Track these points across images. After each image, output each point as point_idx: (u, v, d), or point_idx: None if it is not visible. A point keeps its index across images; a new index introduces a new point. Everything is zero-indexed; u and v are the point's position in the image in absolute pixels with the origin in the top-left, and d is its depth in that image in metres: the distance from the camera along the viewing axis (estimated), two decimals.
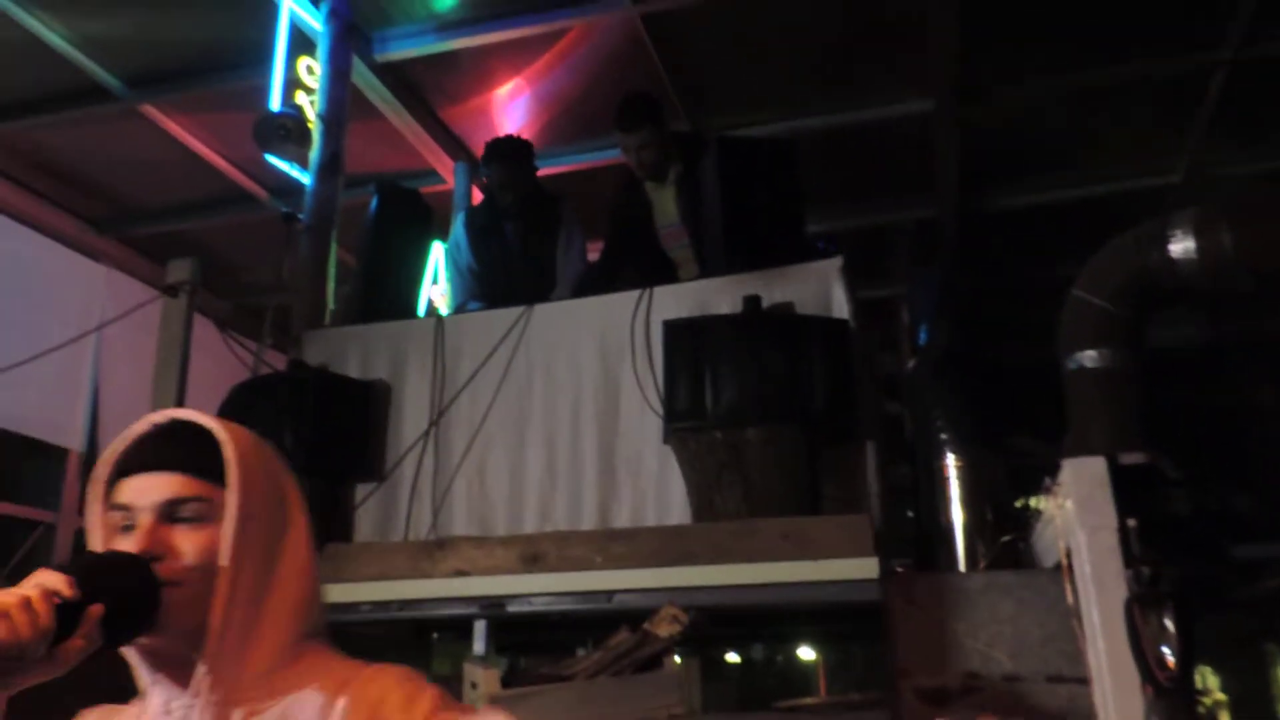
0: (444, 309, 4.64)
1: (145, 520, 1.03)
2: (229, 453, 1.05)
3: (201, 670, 1.02)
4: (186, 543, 1.02)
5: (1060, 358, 2.62)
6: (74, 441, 4.99)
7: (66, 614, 0.89)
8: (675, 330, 2.90)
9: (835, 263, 3.06)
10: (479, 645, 2.86)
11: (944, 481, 3.23)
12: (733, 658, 3.72)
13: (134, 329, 4.94)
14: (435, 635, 3.70)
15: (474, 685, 2.44)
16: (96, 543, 1.05)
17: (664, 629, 2.45)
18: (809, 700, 2.51)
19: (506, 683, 2.37)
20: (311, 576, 1.10)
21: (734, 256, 3.24)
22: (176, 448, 1.06)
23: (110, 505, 1.05)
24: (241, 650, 1.03)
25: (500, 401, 3.23)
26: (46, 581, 0.89)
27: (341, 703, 1.02)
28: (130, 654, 1.04)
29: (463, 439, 3.22)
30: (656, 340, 3.07)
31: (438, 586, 2.75)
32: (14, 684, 0.89)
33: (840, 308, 2.98)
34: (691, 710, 2.51)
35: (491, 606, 2.76)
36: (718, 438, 2.71)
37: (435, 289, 4.79)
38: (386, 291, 3.76)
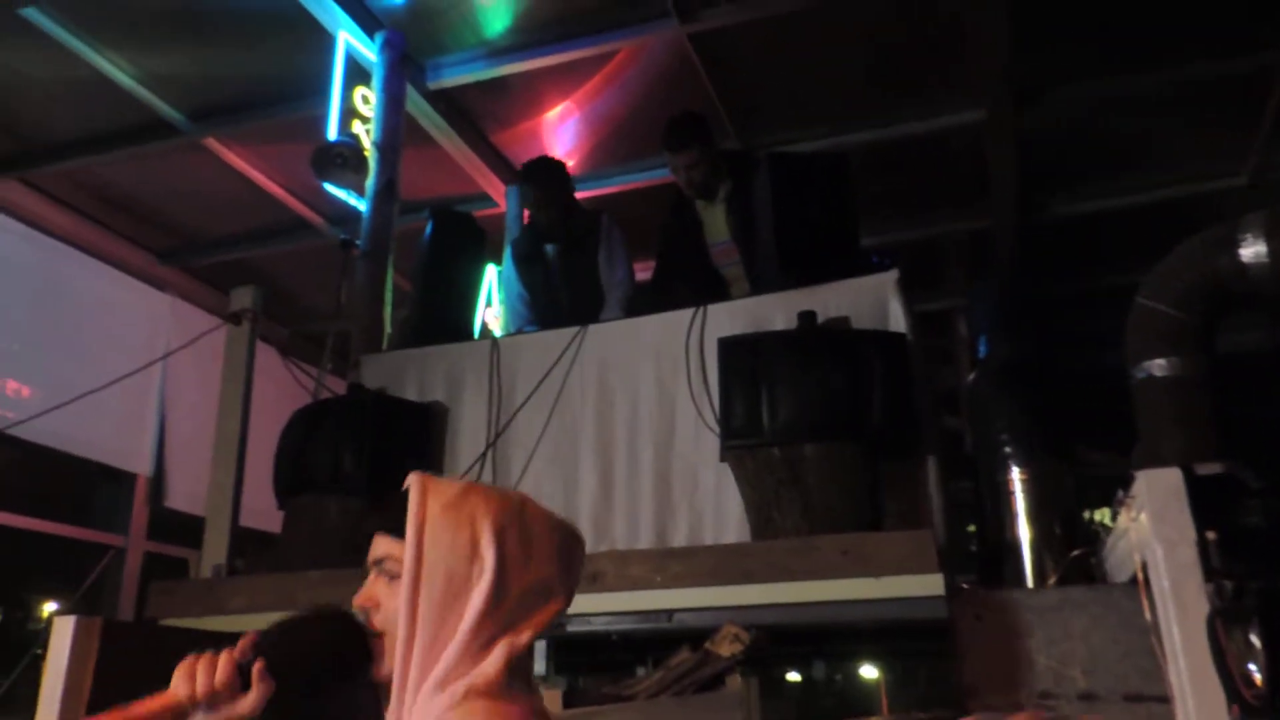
0: (498, 332, 4.69)
1: (369, 577, 1.20)
2: (409, 528, 1.15)
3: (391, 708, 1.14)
4: (388, 598, 1.16)
5: (1128, 367, 2.56)
6: (142, 467, 5.11)
7: (245, 670, 1.08)
8: (730, 347, 2.88)
9: (891, 276, 3.03)
10: (539, 665, 2.86)
11: (1009, 496, 3.15)
12: (793, 677, 3.67)
13: (198, 356, 5.07)
14: None
15: None
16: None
17: (725, 648, 2.43)
18: (878, 717, 2.46)
19: (568, 702, 2.36)
20: (482, 630, 1.13)
21: (787, 272, 3.22)
22: (397, 512, 1.18)
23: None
24: (415, 692, 1.12)
25: (556, 421, 3.24)
26: (241, 646, 1.09)
27: None
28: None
29: (520, 459, 3.24)
30: (711, 358, 3.06)
31: None
32: None
33: (897, 321, 2.94)
34: None
35: (552, 626, 2.75)
36: (775, 455, 2.68)
37: (489, 311, 4.84)
38: (442, 314, 3.80)
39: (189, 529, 5.01)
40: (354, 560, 2.92)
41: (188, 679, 1.07)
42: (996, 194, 5.31)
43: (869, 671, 3.66)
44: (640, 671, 3.27)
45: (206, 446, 4.37)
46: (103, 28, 4.18)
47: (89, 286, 4.95)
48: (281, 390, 4.49)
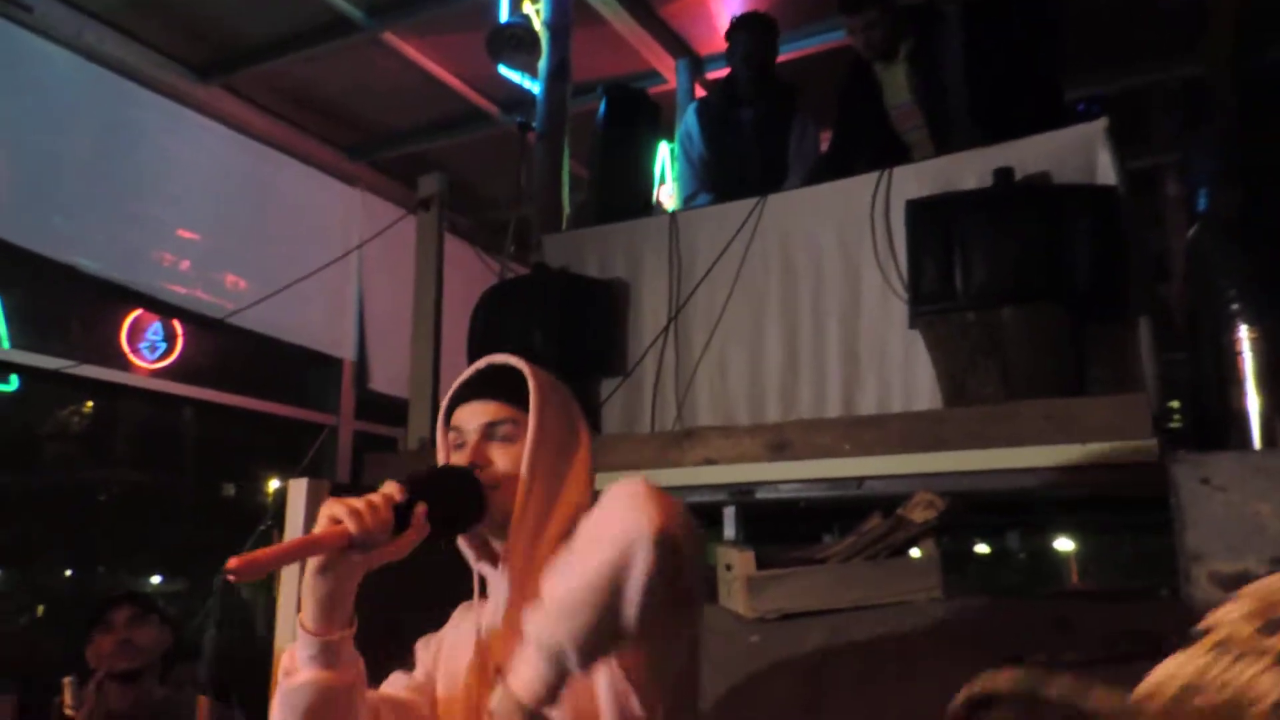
0: (671, 208, 4.67)
1: (472, 439, 1.34)
2: (532, 386, 1.34)
3: (506, 549, 1.31)
4: (501, 455, 1.32)
5: None
6: (346, 352, 5.47)
7: (401, 512, 1.17)
8: (919, 209, 2.76)
9: (1098, 125, 2.79)
10: (729, 530, 2.93)
11: (1235, 357, 2.90)
12: (980, 548, 3.61)
13: (388, 247, 5.33)
14: None
15: (728, 567, 2.50)
16: (440, 457, 1.39)
17: (919, 514, 2.40)
18: (1082, 586, 2.40)
19: (761, 564, 2.41)
20: (589, 484, 1.37)
21: (979, 129, 3.04)
22: (494, 383, 1.37)
23: (448, 428, 1.38)
24: (535, 536, 1.30)
25: (738, 294, 3.22)
26: (388, 489, 1.19)
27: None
28: (465, 549, 1.38)
29: (702, 333, 3.25)
30: (898, 223, 2.95)
31: (686, 475, 2.81)
32: (370, 563, 1.18)
33: (1106, 175, 2.72)
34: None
35: (740, 493, 2.80)
36: (970, 319, 2.58)
37: (662, 189, 4.82)
38: (620, 192, 3.82)
39: (390, 409, 5.37)
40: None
41: (351, 516, 1.13)
42: (1213, 38, 4.77)
43: (1060, 544, 3.55)
44: (826, 539, 3.30)
45: (401, 333, 4.63)
46: None
47: (289, 185, 5.24)
48: (467, 277, 4.68)
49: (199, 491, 5.41)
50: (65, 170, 4.02)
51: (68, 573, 4.96)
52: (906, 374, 2.96)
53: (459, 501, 1.26)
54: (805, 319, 3.14)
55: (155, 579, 5.29)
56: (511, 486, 1.31)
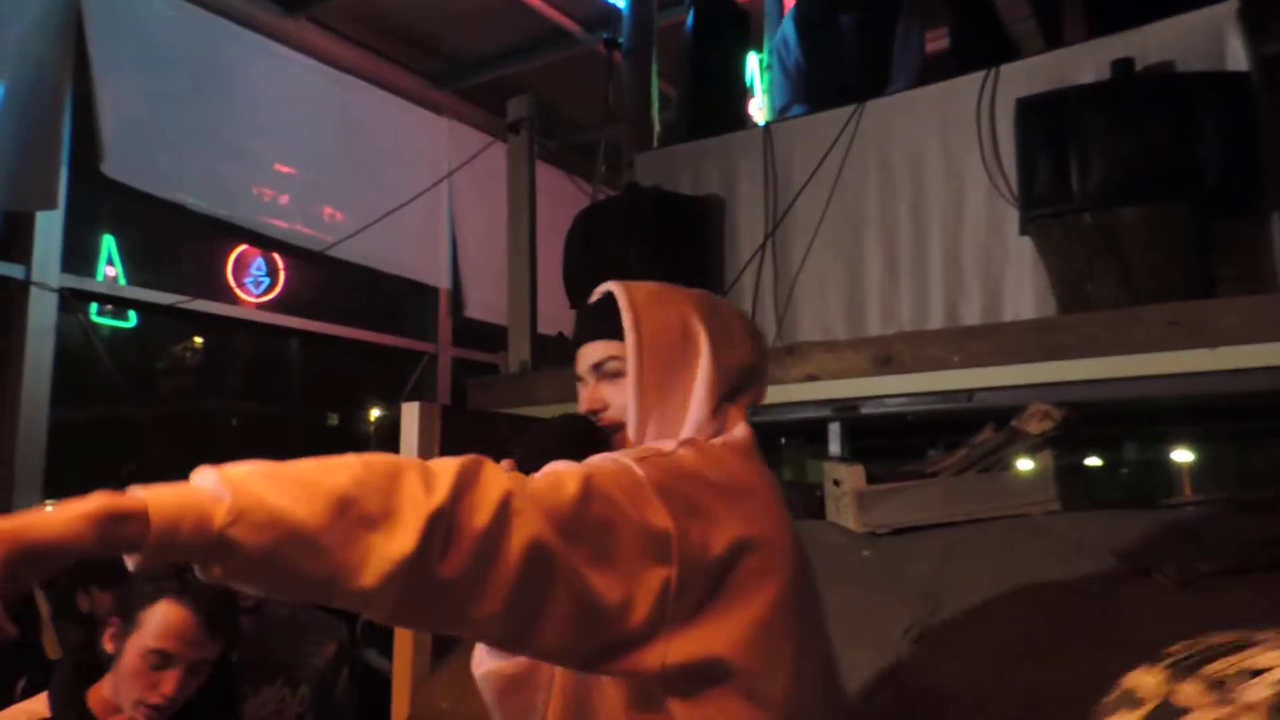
0: (761, 122, 4.54)
1: (588, 383, 1.28)
2: (622, 308, 1.23)
3: None
4: (614, 395, 1.24)
5: None
6: (441, 280, 5.55)
7: None
8: (1031, 108, 2.63)
9: (1228, 7, 2.59)
10: (834, 446, 2.91)
11: None
12: (1091, 461, 3.51)
13: (476, 174, 5.34)
14: (783, 440, 3.82)
15: (837, 482, 2.49)
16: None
17: (1034, 426, 2.34)
18: (1213, 495, 2.31)
19: (871, 479, 2.39)
20: (718, 384, 1.22)
21: (1095, 18, 2.85)
22: (598, 319, 1.27)
23: (576, 377, 1.31)
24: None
25: (835, 205, 3.14)
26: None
27: None
28: None
29: (800, 246, 3.19)
30: (1005, 124, 2.82)
31: (789, 391, 2.78)
32: None
33: (1236, 61, 2.54)
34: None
35: (845, 409, 2.77)
36: (1087, 221, 2.46)
37: (752, 102, 4.68)
38: (711, 106, 3.72)
39: (486, 335, 5.45)
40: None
41: None
42: None
43: (1179, 455, 3.42)
44: (931, 454, 3.25)
45: (493, 261, 4.66)
46: None
47: (377, 115, 5.27)
48: (557, 201, 4.67)
49: (307, 420, 5.60)
50: (167, 109, 4.12)
51: None
52: (1014, 282, 2.86)
53: (572, 456, 1.20)
54: (905, 229, 3.04)
55: None
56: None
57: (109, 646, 1.68)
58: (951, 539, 2.21)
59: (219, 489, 0.81)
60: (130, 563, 0.79)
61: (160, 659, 1.62)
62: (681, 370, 1.21)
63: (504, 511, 0.89)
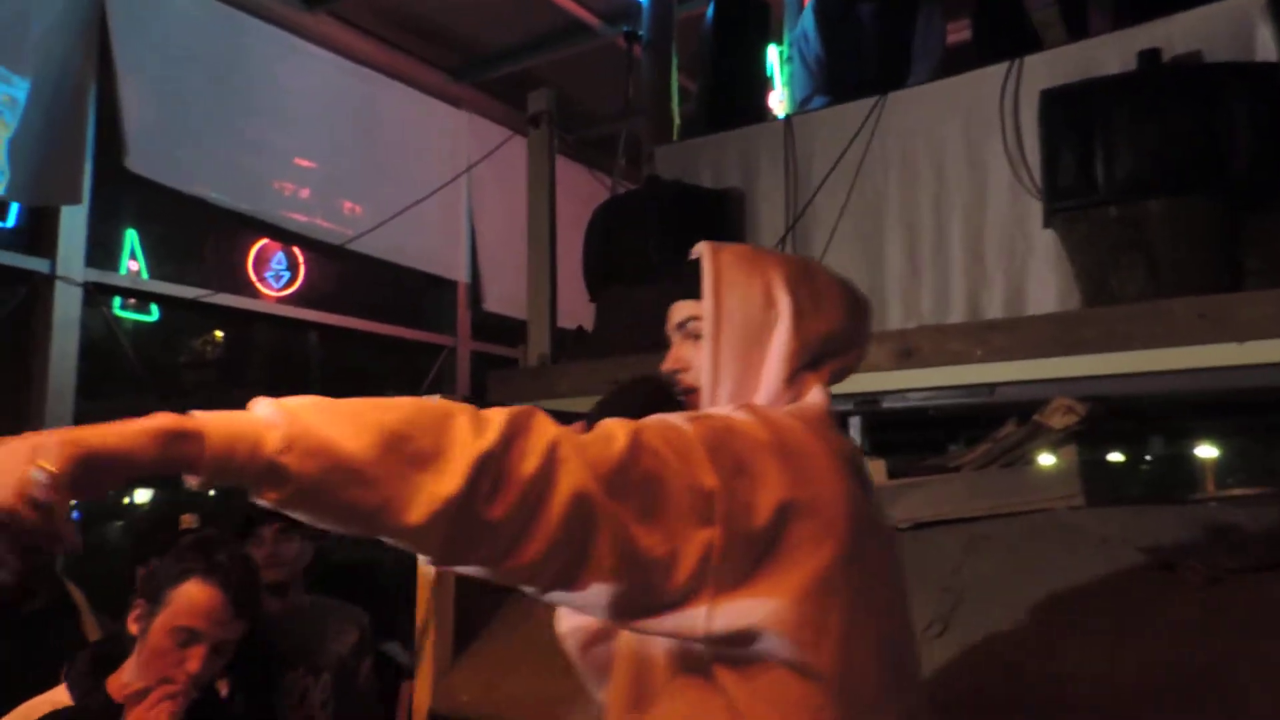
0: (781, 115, 4.52)
1: (673, 341, 1.27)
2: (705, 268, 1.22)
3: None
4: (695, 355, 1.23)
5: None
6: (460, 274, 5.57)
7: None
8: (1055, 99, 2.59)
9: None
10: (855, 440, 2.89)
11: None
12: (1113, 456, 3.48)
13: (496, 168, 5.35)
14: None
15: None
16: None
17: (1058, 420, 2.32)
18: (1239, 491, 2.29)
19: (892, 473, 2.37)
20: (792, 361, 1.19)
21: (1121, 8, 2.82)
22: (691, 278, 1.25)
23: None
24: None
25: (856, 197, 3.12)
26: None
27: None
28: None
29: (820, 239, 3.17)
30: (1028, 116, 2.79)
31: None
32: None
33: (1266, 51, 2.50)
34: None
35: (866, 403, 2.76)
36: (1112, 214, 2.43)
37: (772, 95, 4.66)
38: (731, 98, 3.70)
39: (506, 328, 5.46)
40: (666, 344, 3.04)
41: None
42: None
43: (1204, 450, 3.38)
44: (953, 448, 3.23)
45: (513, 253, 4.67)
46: None
47: (397, 109, 5.29)
48: (576, 195, 4.67)
49: None
50: (188, 105, 4.14)
51: (211, 492, 5.25)
52: (1037, 276, 2.84)
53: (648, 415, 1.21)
54: (927, 222, 3.02)
55: None
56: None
57: (133, 628, 1.70)
58: (973, 534, 2.20)
59: (274, 417, 0.83)
60: (189, 483, 0.82)
61: (187, 636, 1.65)
62: (761, 337, 1.20)
63: (551, 459, 0.90)
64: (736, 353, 1.19)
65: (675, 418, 1.04)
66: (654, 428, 1.00)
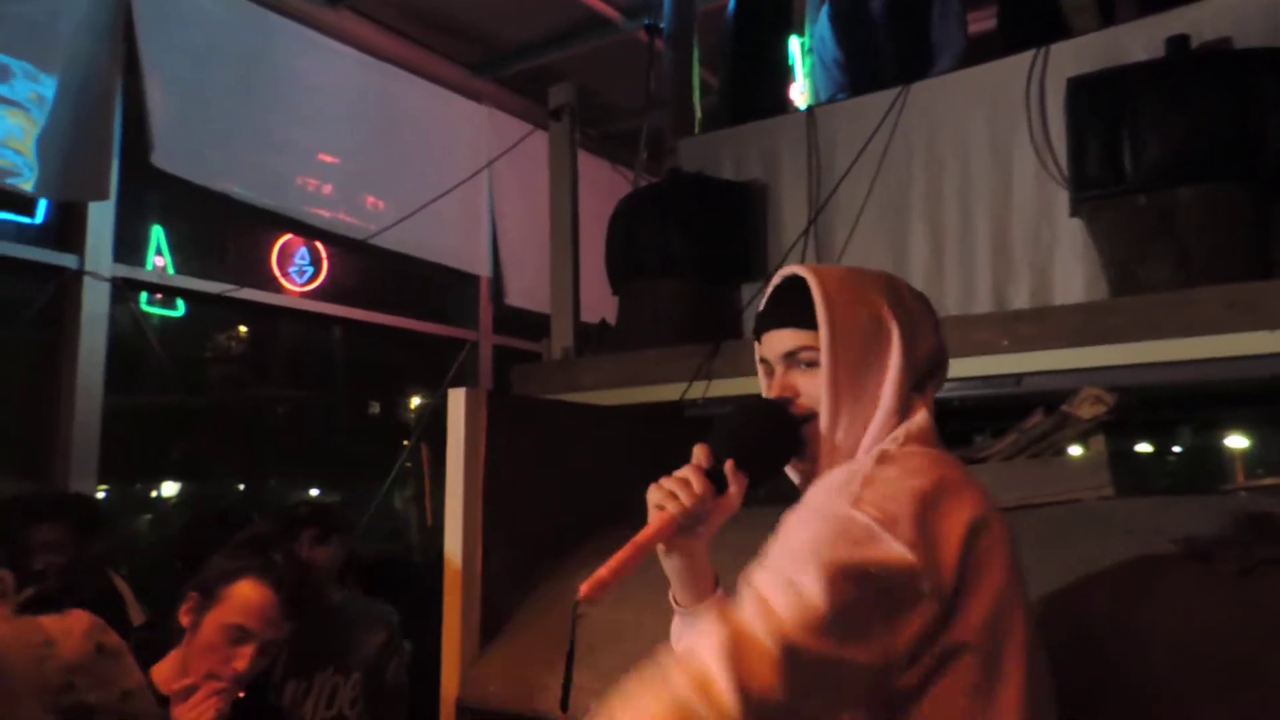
0: (803, 108, 4.50)
1: (778, 370, 1.27)
2: (817, 300, 1.22)
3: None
4: (806, 384, 1.24)
5: None
6: (482, 269, 5.59)
7: (716, 474, 1.18)
8: (1083, 87, 2.57)
9: None
10: None
11: None
12: (1141, 447, 3.45)
13: (517, 162, 5.36)
14: None
15: None
16: (762, 389, 1.31)
17: (1086, 410, 2.30)
18: (1271, 480, 2.26)
19: None
20: (906, 375, 1.23)
21: None
22: (791, 305, 1.26)
23: (759, 359, 1.32)
24: (850, 457, 1.21)
25: (879, 188, 3.10)
26: (696, 457, 1.19)
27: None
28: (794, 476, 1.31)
29: (843, 230, 3.16)
30: (1055, 105, 2.77)
31: None
32: (709, 529, 1.22)
33: None
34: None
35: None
36: (1141, 203, 2.41)
37: (794, 87, 4.64)
38: (752, 90, 3.70)
39: (527, 323, 5.47)
40: (689, 338, 3.02)
41: (670, 499, 1.15)
42: None
43: (1234, 440, 3.35)
44: (979, 439, 3.21)
45: (534, 248, 4.67)
46: None
47: (418, 105, 5.31)
48: (598, 189, 4.66)
49: (350, 408, 5.67)
50: (213, 102, 4.18)
51: (240, 486, 5.30)
52: (1063, 265, 2.81)
53: (769, 441, 1.24)
54: (951, 213, 3.00)
55: (314, 491, 5.61)
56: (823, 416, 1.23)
57: (185, 619, 1.72)
58: None
59: None
60: None
61: (239, 634, 1.66)
62: (874, 362, 1.22)
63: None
64: (854, 381, 1.21)
65: (839, 507, 1.06)
66: (829, 541, 1.02)
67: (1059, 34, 3.06)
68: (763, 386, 1.31)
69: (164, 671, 1.70)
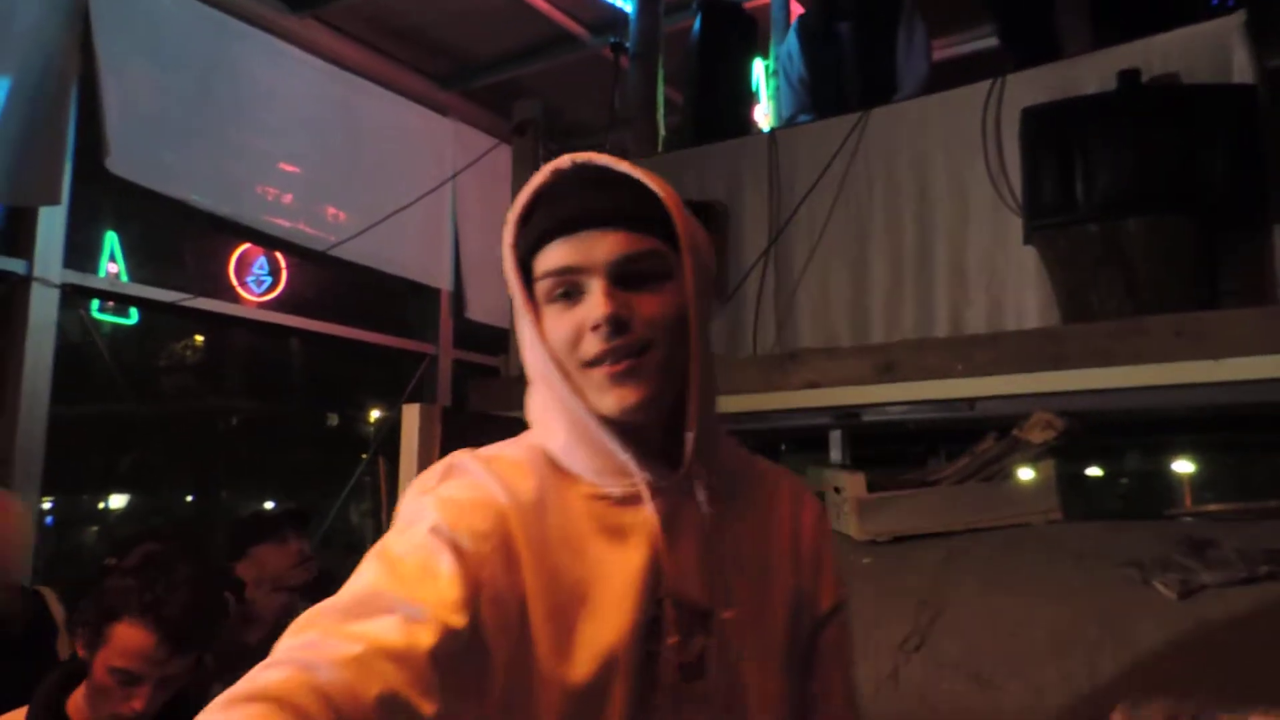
0: (767, 129, 4.54)
1: (597, 286, 0.90)
2: (671, 206, 0.94)
3: (690, 439, 0.93)
4: (651, 307, 0.91)
5: None
6: (443, 281, 5.55)
7: None
8: (1036, 117, 2.62)
9: (1234, 20, 2.59)
10: (836, 453, 2.90)
11: None
12: (1091, 470, 3.51)
13: (481, 176, 5.35)
14: (783, 447, 3.82)
15: (837, 490, 2.48)
16: (524, 323, 0.96)
17: (1037, 435, 2.34)
18: (1215, 506, 2.31)
19: (872, 487, 2.38)
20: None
21: (1101, 26, 2.86)
22: (615, 200, 0.93)
23: (542, 274, 0.94)
24: (715, 422, 0.98)
25: (839, 213, 3.14)
26: None
27: (808, 518, 1.09)
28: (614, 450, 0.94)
29: (803, 253, 3.18)
30: (1010, 134, 2.82)
31: (791, 398, 2.78)
32: None
33: (1243, 74, 2.54)
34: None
35: (846, 416, 2.77)
36: (1092, 231, 2.46)
37: (758, 108, 4.69)
38: (716, 111, 3.72)
39: (487, 337, 5.45)
40: None
41: None
42: None
43: (1180, 465, 3.42)
44: (932, 463, 3.25)
45: (495, 262, 4.61)
46: None
47: (383, 116, 5.27)
48: None
49: (307, 419, 5.60)
50: (172, 106, 4.11)
51: (189, 497, 5.21)
52: (1017, 292, 2.86)
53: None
54: (910, 237, 3.04)
55: (268, 504, 5.53)
56: (676, 353, 0.91)
57: (81, 654, 1.63)
58: (952, 547, 2.21)
59: None
60: None
61: (127, 677, 1.57)
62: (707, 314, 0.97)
63: None
64: (707, 329, 1.02)
65: None
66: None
67: (1056, 52, 3.08)
68: (523, 318, 0.97)
69: (77, 703, 1.63)
